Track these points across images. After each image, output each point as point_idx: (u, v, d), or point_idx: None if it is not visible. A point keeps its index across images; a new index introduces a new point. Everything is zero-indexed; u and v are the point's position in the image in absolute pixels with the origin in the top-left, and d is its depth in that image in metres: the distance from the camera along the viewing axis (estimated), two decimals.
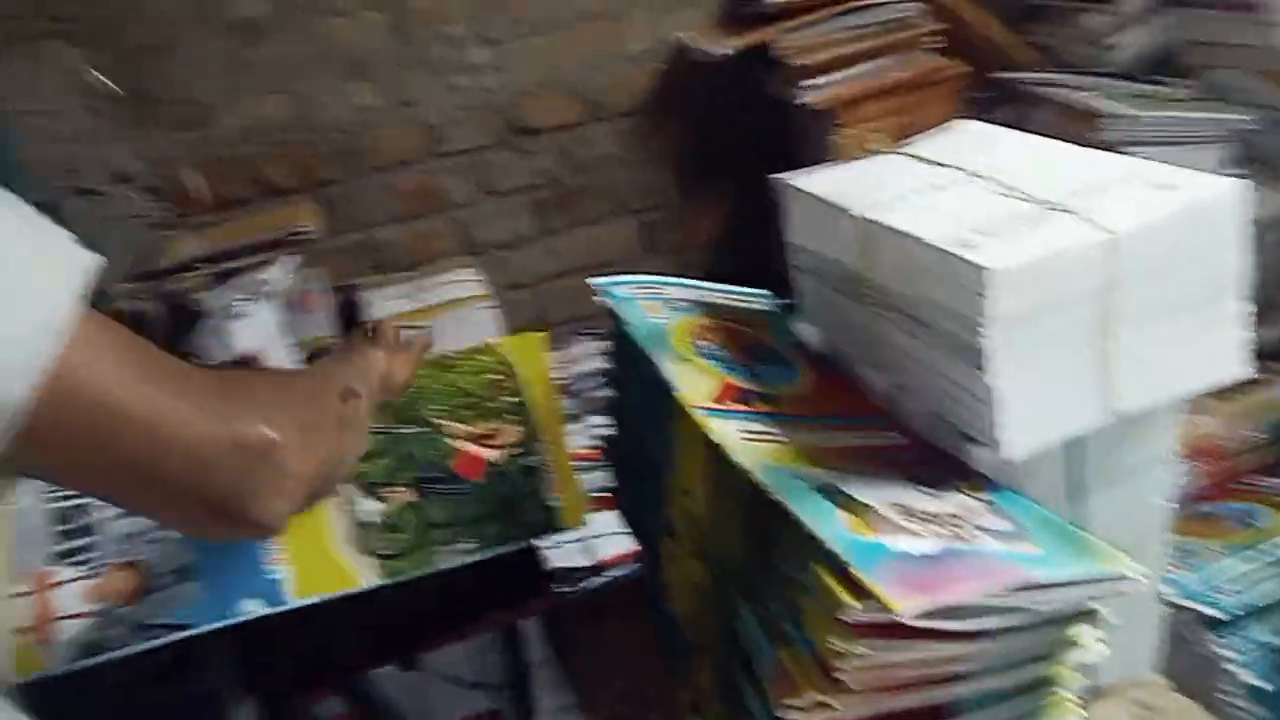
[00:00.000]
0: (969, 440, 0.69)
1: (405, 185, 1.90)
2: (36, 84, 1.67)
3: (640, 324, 0.87)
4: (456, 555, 0.90)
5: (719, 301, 0.96)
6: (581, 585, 1.29)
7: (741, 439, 0.72)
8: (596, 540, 1.34)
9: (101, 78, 1.53)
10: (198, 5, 1.71)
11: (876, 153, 0.92)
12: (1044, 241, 0.64)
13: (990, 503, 0.65)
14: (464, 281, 1.79)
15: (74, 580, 0.85)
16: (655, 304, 0.92)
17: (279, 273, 1.56)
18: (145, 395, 0.51)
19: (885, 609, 0.55)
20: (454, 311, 1.69)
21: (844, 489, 0.66)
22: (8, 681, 0.65)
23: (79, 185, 1.74)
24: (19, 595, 0.84)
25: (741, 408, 0.77)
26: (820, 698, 0.60)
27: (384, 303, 1.75)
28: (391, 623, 1.09)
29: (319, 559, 0.88)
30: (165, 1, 1.69)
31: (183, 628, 0.82)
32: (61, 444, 0.49)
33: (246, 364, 1.13)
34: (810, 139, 1.91)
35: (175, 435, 0.52)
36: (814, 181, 0.87)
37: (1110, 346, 0.67)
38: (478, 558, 0.91)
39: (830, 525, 0.61)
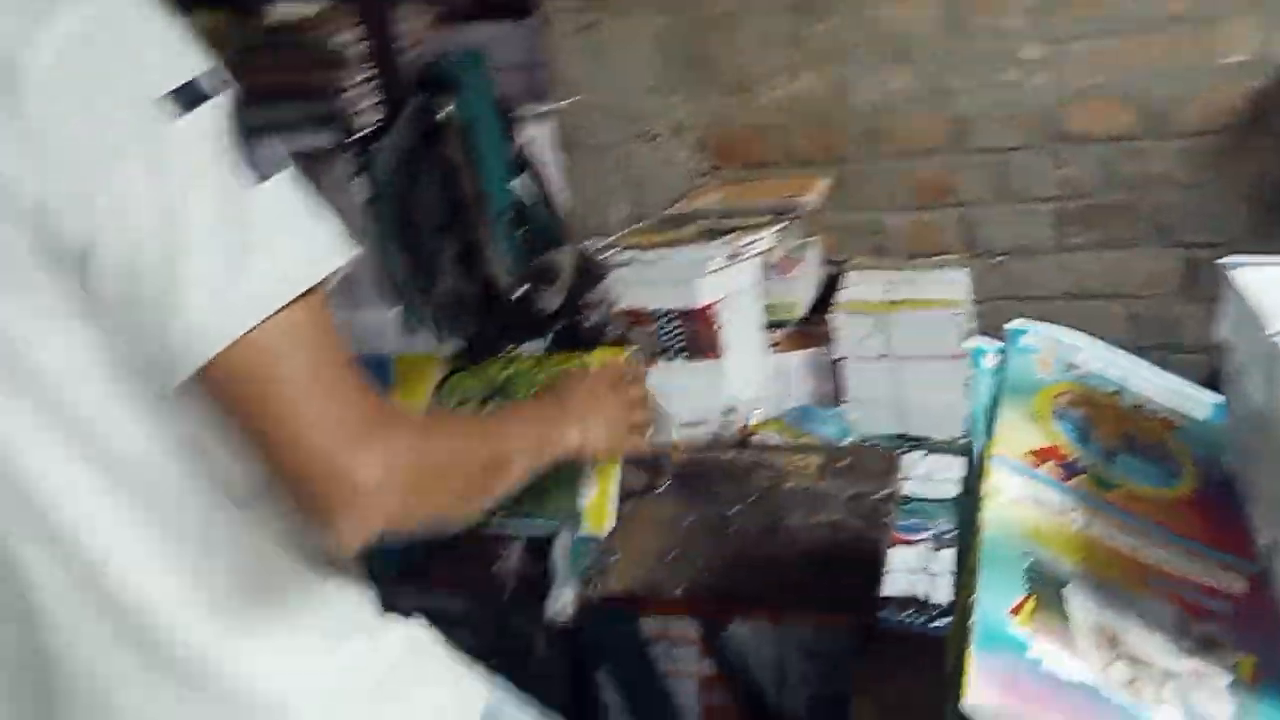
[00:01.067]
0: None
1: (921, 174, 1.87)
2: (628, 43, 1.96)
3: (1015, 371, 0.82)
4: (499, 523, 1.08)
5: (1135, 387, 0.85)
6: (930, 621, 1.23)
7: (1014, 500, 0.66)
8: None
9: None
10: None
11: None
12: None
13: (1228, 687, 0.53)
14: (950, 284, 1.73)
15: None
16: (1051, 362, 0.85)
17: (767, 238, 1.67)
18: (294, 401, 0.60)
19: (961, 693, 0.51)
20: (925, 311, 1.64)
21: (1065, 589, 0.59)
22: None
23: (645, 131, 2.03)
24: None
25: (1056, 475, 0.71)
26: None
27: (862, 286, 1.77)
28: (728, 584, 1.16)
29: None
30: None
31: None
32: (220, 394, 0.60)
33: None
34: None
35: (288, 439, 0.60)
36: (1257, 275, 0.73)
37: None
38: (507, 530, 1.08)
39: (994, 602, 0.56)
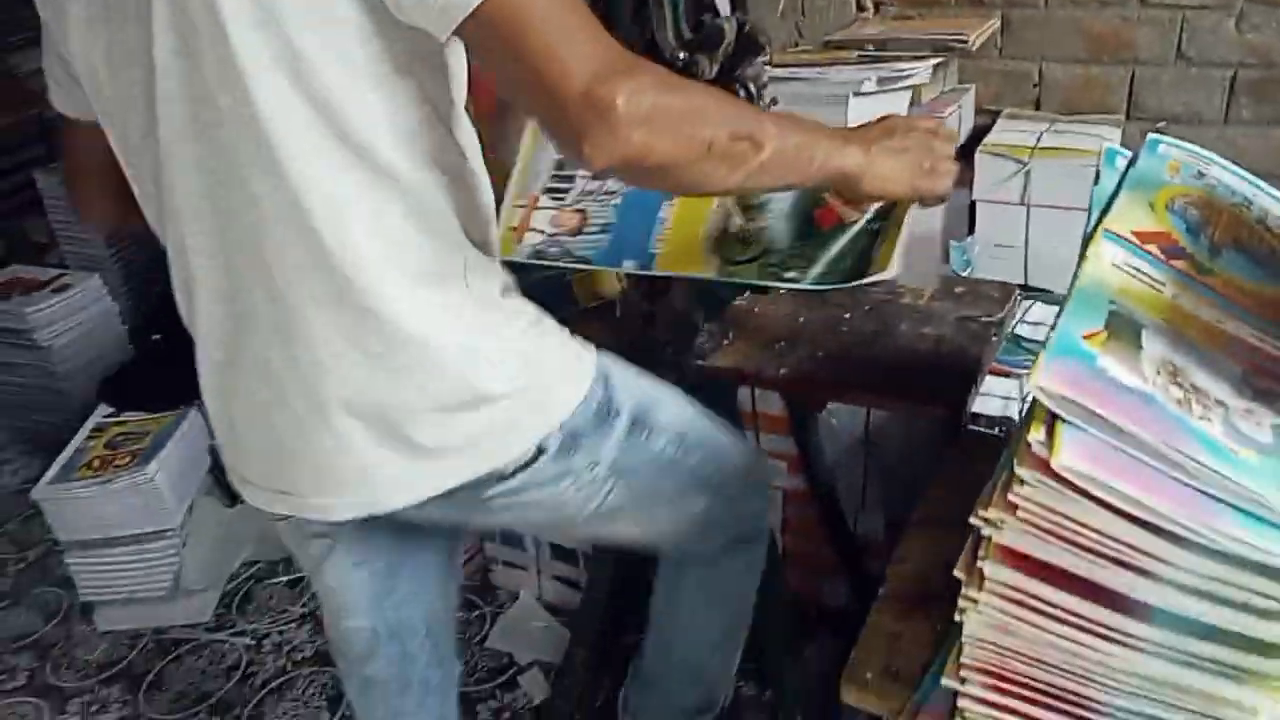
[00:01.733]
0: None
1: (1094, 26, 1.81)
2: None
3: (1143, 170, 0.86)
4: (778, 280, 1.07)
5: (1265, 204, 0.88)
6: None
7: (1113, 266, 0.73)
8: None
9: None
10: None
11: None
12: None
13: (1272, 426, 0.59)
14: (1101, 141, 1.70)
15: (548, 208, 1.18)
16: (1180, 168, 0.88)
17: (922, 71, 1.67)
18: (546, 37, 0.69)
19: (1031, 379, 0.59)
20: (1068, 160, 1.64)
21: (1141, 332, 0.65)
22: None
23: None
24: (518, 205, 1.19)
25: (1157, 255, 0.77)
26: (997, 515, 0.64)
27: (1011, 132, 1.76)
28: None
29: (685, 246, 1.10)
30: None
31: (586, 262, 1.12)
32: (490, 37, 0.71)
33: None
34: None
35: (544, 69, 0.69)
36: None
37: None
38: (791, 288, 1.09)
39: (1072, 326, 0.64)
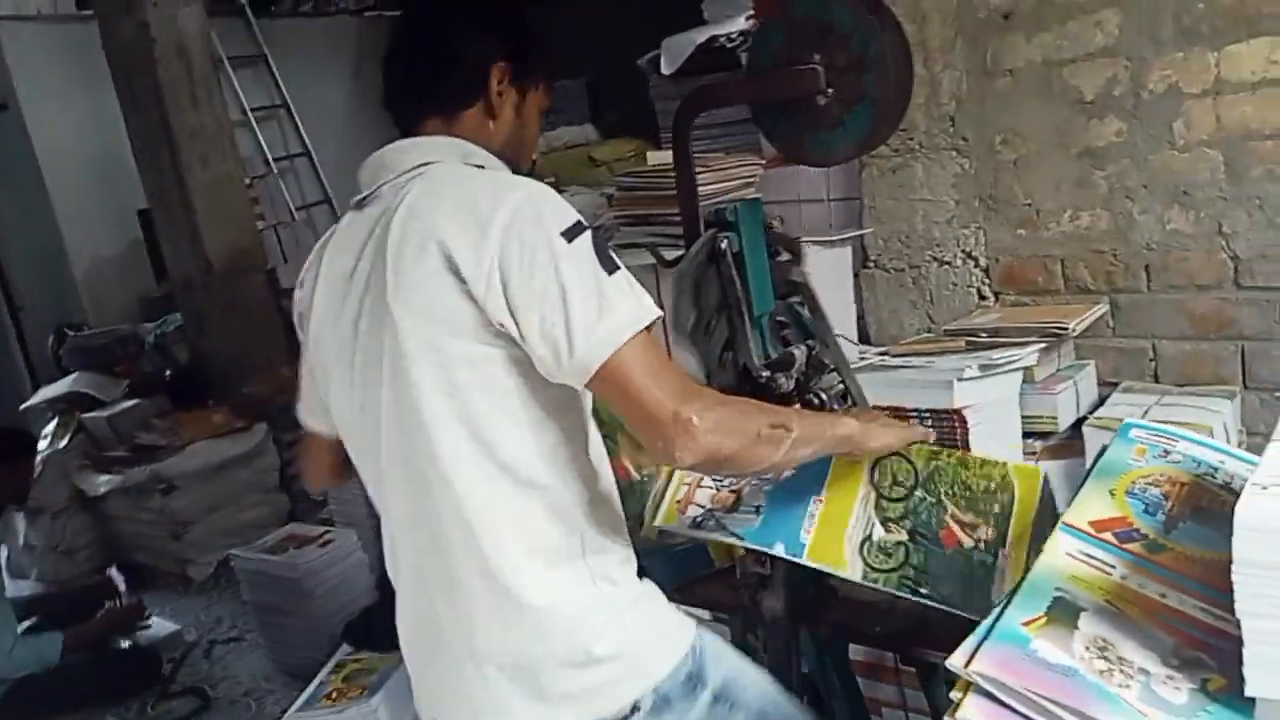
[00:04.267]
0: None
1: (1196, 308, 1.98)
2: (930, 182, 2.28)
3: (1111, 458, 1.05)
4: (913, 594, 1.23)
5: (1232, 469, 1.02)
6: None
7: (1066, 555, 0.91)
8: None
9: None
10: (1060, 134, 2.09)
11: None
12: None
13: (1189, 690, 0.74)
14: (1211, 412, 1.83)
15: (708, 487, 1.44)
16: (1146, 450, 1.06)
17: (1025, 356, 1.89)
18: (644, 383, 1.01)
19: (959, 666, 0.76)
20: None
21: (1082, 614, 0.82)
22: (650, 537, 1.22)
23: (938, 257, 2.32)
24: (684, 483, 1.46)
25: (1110, 540, 0.94)
26: None
27: (1121, 406, 1.91)
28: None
29: (831, 542, 1.29)
30: (1035, 130, 2.12)
31: (739, 538, 1.33)
32: (603, 388, 1.02)
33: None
34: None
35: (644, 402, 1.01)
36: None
37: None
38: (924, 603, 1.22)
39: (1015, 615, 0.81)
